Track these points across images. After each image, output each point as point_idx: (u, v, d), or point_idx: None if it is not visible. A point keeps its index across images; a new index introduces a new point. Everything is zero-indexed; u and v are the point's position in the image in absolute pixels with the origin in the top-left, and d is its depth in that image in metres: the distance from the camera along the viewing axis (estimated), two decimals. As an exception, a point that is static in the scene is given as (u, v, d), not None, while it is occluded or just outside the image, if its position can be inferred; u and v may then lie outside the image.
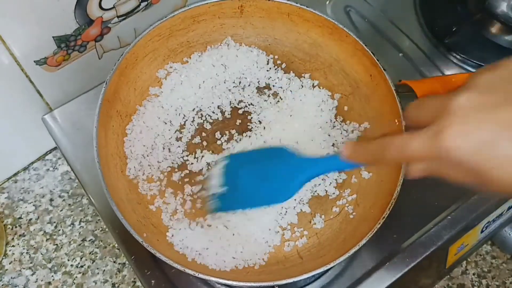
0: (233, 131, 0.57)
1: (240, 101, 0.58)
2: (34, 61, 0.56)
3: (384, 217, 0.46)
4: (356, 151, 0.40)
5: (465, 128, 0.30)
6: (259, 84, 0.59)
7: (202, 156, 0.55)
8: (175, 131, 0.56)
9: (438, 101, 0.33)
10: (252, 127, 0.57)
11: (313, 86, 0.59)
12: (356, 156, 0.40)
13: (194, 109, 0.57)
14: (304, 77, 0.59)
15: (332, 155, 0.44)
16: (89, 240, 0.64)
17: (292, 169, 0.46)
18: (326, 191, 0.54)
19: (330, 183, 0.54)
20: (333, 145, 0.56)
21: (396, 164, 0.38)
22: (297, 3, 0.55)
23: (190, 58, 0.58)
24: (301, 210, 0.53)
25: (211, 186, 0.49)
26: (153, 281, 0.53)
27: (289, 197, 0.47)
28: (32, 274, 0.61)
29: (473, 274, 0.70)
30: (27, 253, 0.63)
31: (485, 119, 0.30)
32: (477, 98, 0.31)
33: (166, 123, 0.56)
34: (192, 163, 0.55)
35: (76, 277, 0.61)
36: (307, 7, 0.55)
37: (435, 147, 0.31)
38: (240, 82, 0.59)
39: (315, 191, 0.54)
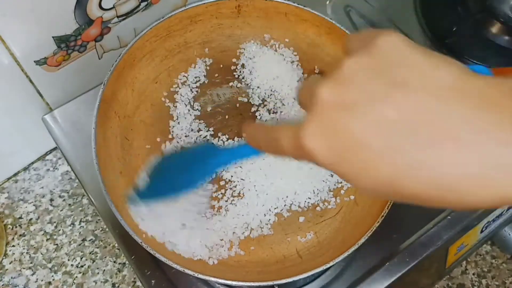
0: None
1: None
2: (34, 61, 0.56)
3: (383, 216, 0.46)
4: (248, 134, 0.35)
5: (322, 129, 0.26)
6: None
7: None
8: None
9: (308, 87, 0.28)
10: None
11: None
12: (248, 138, 0.36)
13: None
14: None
15: (240, 146, 0.43)
16: (89, 240, 0.64)
17: (208, 159, 0.46)
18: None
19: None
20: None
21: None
22: (294, 3, 0.55)
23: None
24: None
25: (140, 180, 0.49)
26: (153, 281, 0.53)
27: (200, 183, 0.47)
28: (32, 274, 0.61)
29: (473, 274, 0.70)
30: (27, 253, 0.63)
31: (342, 122, 0.25)
32: (338, 92, 0.26)
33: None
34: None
35: (76, 277, 0.61)
36: (304, 6, 0.55)
37: (298, 147, 0.27)
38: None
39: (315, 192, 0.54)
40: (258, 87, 0.58)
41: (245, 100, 0.58)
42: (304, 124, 0.27)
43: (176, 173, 0.48)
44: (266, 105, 0.58)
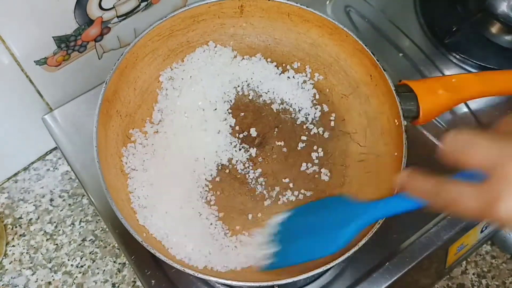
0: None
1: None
2: (34, 61, 0.56)
3: (383, 217, 0.46)
4: (410, 183, 0.36)
5: None
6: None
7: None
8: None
9: (490, 150, 0.31)
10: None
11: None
12: (410, 187, 0.36)
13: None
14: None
15: (389, 198, 0.41)
16: (89, 240, 0.64)
17: (346, 216, 0.44)
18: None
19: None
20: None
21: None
22: (297, 3, 0.55)
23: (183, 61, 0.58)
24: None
25: (266, 244, 0.48)
26: (153, 281, 0.53)
27: (343, 245, 0.43)
28: (32, 274, 0.61)
29: (473, 274, 0.70)
30: (27, 253, 0.63)
31: None
32: None
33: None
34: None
35: (76, 277, 0.61)
36: (307, 7, 0.55)
37: (490, 213, 0.30)
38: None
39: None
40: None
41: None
42: (503, 197, 0.30)
43: (310, 234, 0.45)
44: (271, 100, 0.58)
